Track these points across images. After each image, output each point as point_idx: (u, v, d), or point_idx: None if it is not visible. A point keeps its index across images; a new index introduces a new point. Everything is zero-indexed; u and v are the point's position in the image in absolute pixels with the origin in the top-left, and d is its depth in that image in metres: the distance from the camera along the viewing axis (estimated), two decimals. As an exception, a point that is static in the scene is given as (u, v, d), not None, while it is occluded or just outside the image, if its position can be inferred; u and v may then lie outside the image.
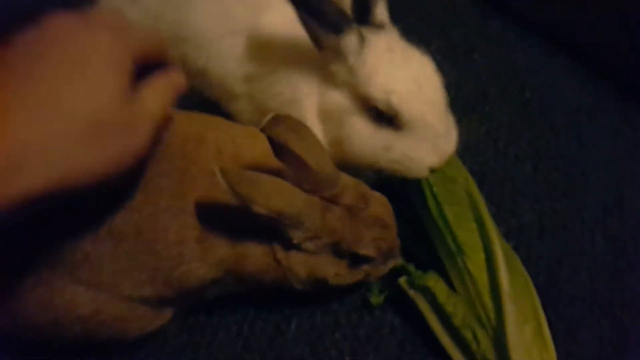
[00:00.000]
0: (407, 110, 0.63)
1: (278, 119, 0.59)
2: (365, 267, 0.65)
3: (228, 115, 0.78)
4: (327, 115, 0.68)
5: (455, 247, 0.68)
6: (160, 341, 0.73)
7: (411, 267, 0.71)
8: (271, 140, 0.58)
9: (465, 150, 0.89)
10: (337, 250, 0.62)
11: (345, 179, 0.63)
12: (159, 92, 0.55)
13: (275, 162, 0.61)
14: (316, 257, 0.62)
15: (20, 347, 0.62)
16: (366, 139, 0.66)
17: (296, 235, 0.59)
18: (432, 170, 0.68)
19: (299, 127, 0.59)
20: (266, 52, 0.71)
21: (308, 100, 0.69)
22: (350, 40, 0.64)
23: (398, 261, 0.72)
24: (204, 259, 0.60)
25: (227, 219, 0.60)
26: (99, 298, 0.60)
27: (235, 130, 0.67)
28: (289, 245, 0.61)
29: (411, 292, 0.70)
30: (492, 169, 0.88)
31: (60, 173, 0.46)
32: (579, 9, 0.95)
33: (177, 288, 0.62)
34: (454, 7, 1.04)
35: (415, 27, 1.01)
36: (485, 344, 0.65)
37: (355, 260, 0.63)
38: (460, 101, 0.94)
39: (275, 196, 0.55)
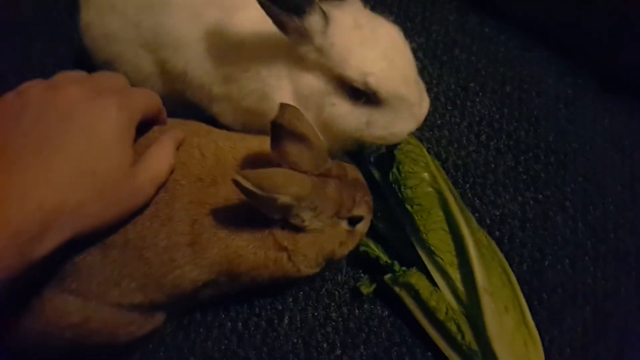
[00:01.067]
0: (384, 88, 0.65)
1: (285, 107, 0.61)
2: (359, 226, 0.68)
3: (209, 119, 0.79)
4: (305, 100, 0.69)
5: (427, 250, 0.70)
6: (156, 340, 0.74)
7: (396, 265, 0.73)
8: (278, 129, 0.60)
9: (448, 145, 0.91)
10: (338, 219, 0.65)
11: None
12: (164, 154, 0.60)
13: (262, 156, 0.64)
14: (322, 232, 0.64)
15: (11, 355, 0.63)
16: (347, 117, 0.68)
17: (307, 216, 0.62)
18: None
19: (298, 112, 0.62)
20: (238, 51, 0.71)
21: (280, 91, 0.69)
22: (314, 20, 0.63)
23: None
24: (196, 262, 0.61)
25: (219, 218, 0.62)
26: (88, 306, 0.60)
27: (214, 134, 0.68)
28: (296, 229, 0.63)
29: (396, 289, 0.71)
30: (474, 161, 0.90)
31: (77, 229, 0.52)
32: (556, 2, 0.97)
33: (170, 292, 0.63)
34: (432, 4, 1.05)
35: (395, 25, 1.03)
36: (469, 336, 0.67)
37: (352, 222, 0.67)
38: (442, 96, 0.96)
39: (292, 184, 0.58)
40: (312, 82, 0.68)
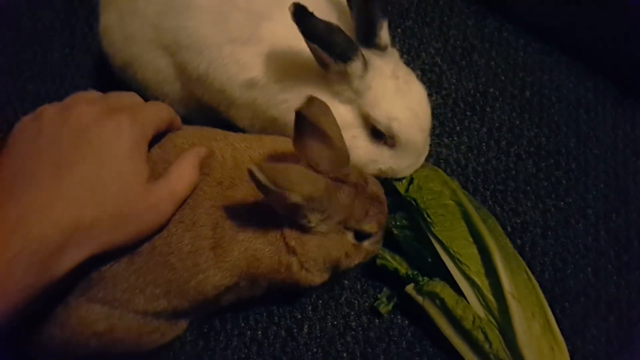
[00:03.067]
0: (403, 135, 0.71)
1: (313, 99, 0.61)
2: (366, 244, 0.68)
3: (224, 122, 0.80)
4: None
5: (452, 258, 0.70)
6: (177, 348, 0.75)
7: (417, 275, 0.72)
8: (302, 122, 0.60)
9: (468, 151, 0.91)
10: (344, 229, 0.65)
11: None
12: (185, 171, 0.60)
13: (277, 155, 0.65)
14: (328, 238, 0.64)
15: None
16: (362, 151, 0.73)
17: (314, 218, 0.62)
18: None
19: (327, 109, 0.63)
20: (270, 62, 0.73)
21: None
22: (356, 65, 0.67)
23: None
24: (219, 265, 0.62)
25: (238, 220, 0.62)
26: (113, 314, 0.61)
27: (231, 137, 0.69)
28: (303, 230, 0.63)
29: (419, 299, 0.71)
30: (494, 168, 0.89)
31: (94, 247, 0.53)
32: (575, 6, 0.96)
33: (193, 298, 0.64)
34: (450, 9, 1.05)
35: (413, 30, 1.03)
36: (497, 344, 0.66)
37: (359, 237, 0.66)
38: (461, 102, 0.95)
39: (305, 183, 0.58)
40: (343, 112, 0.72)
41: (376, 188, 0.68)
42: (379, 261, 0.75)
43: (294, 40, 0.66)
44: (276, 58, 0.72)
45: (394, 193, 0.76)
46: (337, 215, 0.63)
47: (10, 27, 1.09)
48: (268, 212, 0.61)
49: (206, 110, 0.82)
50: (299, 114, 0.59)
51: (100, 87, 1.00)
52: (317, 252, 0.64)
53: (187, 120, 0.72)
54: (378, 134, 0.72)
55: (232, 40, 0.73)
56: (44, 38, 1.07)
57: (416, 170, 0.76)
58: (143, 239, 0.58)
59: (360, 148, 0.72)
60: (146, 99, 0.84)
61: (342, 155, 0.63)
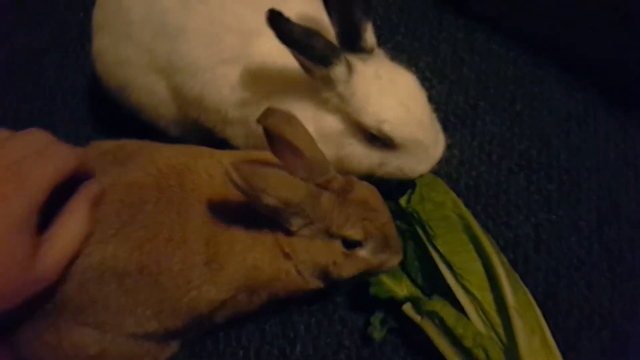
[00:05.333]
0: (398, 134, 0.69)
1: (271, 110, 0.61)
2: (362, 253, 0.65)
3: (222, 141, 0.80)
4: (324, 138, 0.71)
5: (454, 275, 0.69)
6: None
7: (417, 293, 0.72)
8: (267, 133, 0.60)
9: (459, 165, 0.91)
10: (330, 235, 0.63)
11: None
12: (70, 229, 0.57)
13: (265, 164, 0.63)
14: (313, 242, 0.64)
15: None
16: (362, 158, 0.72)
17: (296, 223, 0.61)
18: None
19: (290, 118, 0.62)
20: (259, 78, 0.73)
21: (304, 123, 0.70)
22: (339, 70, 0.66)
23: (395, 258, 0.70)
24: (214, 279, 0.62)
25: (233, 233, 0.62)
26: (104, 338, 0.61)
27: (218, 154, 0.69)
28: (288, 233, 0.63)
29: (417, 318, 0.70)
30: (486, 182, 0.89)
31: None
32: (565, 18, 0.97)
33: (186, 316, 0.63)
34: (439, 23, 1.06)
35: (402, 45, 1.04)
36: (498, 361, 0.66)
37: (348, 244, 0.64)
38: (452, 116, 0.96)
39: (282, 187, 0.58)
40: (333, 123, 0.71)
41: (365, 194, 0.65)
42: (372, 290, 0.72)
43: (281, 53, 0.66)
44: (264, 73, 0.73)
45: (396, 206, 0.74)
46: (319, 221, 0.62)
47: (4, 46, 1.10)
48: (261, 221, 0.61)
49: (202, 131, 0.82)
50: (261, 126, 0.60)
51: (93, 106, 1.01)
52: (305, 255, 0.64)
53: (184, 142, 0.73)
54: (374, 138, 0.70)
55: (224, 61, 0.74)
56: (37, 57, 1.08)
57: (420, 177, 0.74)
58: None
59: (360, 155, 0.71)
60: (141, 121, 0.86)
61: (316, 162, 0.62)
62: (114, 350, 0.62)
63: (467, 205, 0.85)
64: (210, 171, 0.65)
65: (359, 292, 0.79)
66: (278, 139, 0.60)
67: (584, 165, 0.91)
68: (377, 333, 0.75)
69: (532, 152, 0.92)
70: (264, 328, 0.77)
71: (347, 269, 0.66)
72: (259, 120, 0.60)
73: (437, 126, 0.75)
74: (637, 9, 0.87)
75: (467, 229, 0.71)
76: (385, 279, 0.73)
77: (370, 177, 0.72)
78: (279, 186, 0.58)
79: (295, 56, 0.66)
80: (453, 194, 0.75)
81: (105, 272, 0.59)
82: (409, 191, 0.75)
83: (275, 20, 0.62)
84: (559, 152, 0.92)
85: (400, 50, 1.02)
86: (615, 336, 0.76)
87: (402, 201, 0.75)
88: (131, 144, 0.69)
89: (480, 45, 1.03)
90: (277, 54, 0.69)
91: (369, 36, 0.70)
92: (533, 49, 1.03)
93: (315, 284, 0.66)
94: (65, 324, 0.60)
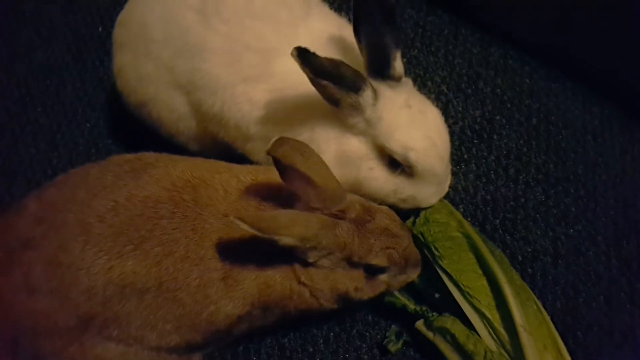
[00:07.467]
0: (421, 164, 0.71)
1: (283, 140, 0.62)
2: (383, 277, 0.67)
3: (241, 156, 0.81)
4: (345, 159, 0.73)
5: (462, 294, 0.70)
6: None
7: (426, 311, 0.73)
8: (277, 163, 0.61)
9: (476, 179, 0.91)
10: (352, 264, 0.65)
11: (351, 196, 0.67)
12: None
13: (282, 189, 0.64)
14: (334, 272, 0.64)
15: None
16: (380, 182, 0.73)
17: (312, 255, 0.62)
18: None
19: (303, 148, 0.63)
20: (281, 96, 0.74)
21: (326, 144, 0.73)
22: (367, 95, 0.68)
23: (412, 274, 0.72)
24: (230, 295, 0.63)
25: (248, 253, 0.63)
26: (128, 352, 0.62)
27: (236, 169, 0.70)
28: (306, 264, 0.64)
29: (429, 335, 0.71)
30: (503, 196, 0.89)
31: None
32: (579, 32, 0.97)
33: (205, 330, 0.64)
34: (455, 37, 1.06)
35: (418, 59, 1.04)
36: (510, 376, 0.66)
37: (370, 271, 0.66)
38: (468, 130, 0.96)
39: (294, 225, 0.59)
40: (356, 145, 0.73)
41: (387, 221, 0.67)
42: (387, 299, 0.74)
43: (303, 74, 0.67)
44: (287, 93, 0.74)
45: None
46: (338, 251, 0.63)
47: (23, 62, 1.12)
48: (278, 253, 0.62)
49: (221, 146, 0.83)
50: (271, 156, 0.60)
51: (112, 119, 1.03)
52: (323, 284, 0.65)
53: (203, 156, 0.74)
54: (395, 164, 0.72)
55: (245, 79, 0.75)
56: (56, 72, 1.10)
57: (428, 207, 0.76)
58: None
59: (379, 179, 0.73)
60: (161, 136, 0.86)
61: (330, 193, 0.62)
62: (137, 364, 0.63)
63: (484, 219, 0.86)
64: (226, 187, 0.66)
65: (377, 307, 0.79)
66: (290, 169, 0.61)
67: (601, 179, 0.91)
68: (393, 345, 0.76)
69: (549, 166, 0.92)
70: (283, 343, 0.78)
71: (368, 293, 0.67)
72: (269, 152, 0.61)
73: (449, 164, 0.78)
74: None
75: (474, 248, 0.72)
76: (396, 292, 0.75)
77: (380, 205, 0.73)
78: (292, 225, 0.58)
79: (323, 89, 0.67)
80: (458, 214, 0.76)
81: (125, 287, 0.60)
82: (412, 217, 0.77)
83: (305, 57, 0.64)
84: (576, 166, 0.92)
85: (416, 65, 1.03)
86: (636, 352, 0.76)
87: (408, 224, 0.76)
88: (148, 156, 0.71)
89: (495, 59, 1.04)
90: (299, 73, 0.70)
91: (398, 64, 0.72)
92: (548, 63, 1.03)
93: (329, 306, 0.67)
94: (90, 339, 0.61)
